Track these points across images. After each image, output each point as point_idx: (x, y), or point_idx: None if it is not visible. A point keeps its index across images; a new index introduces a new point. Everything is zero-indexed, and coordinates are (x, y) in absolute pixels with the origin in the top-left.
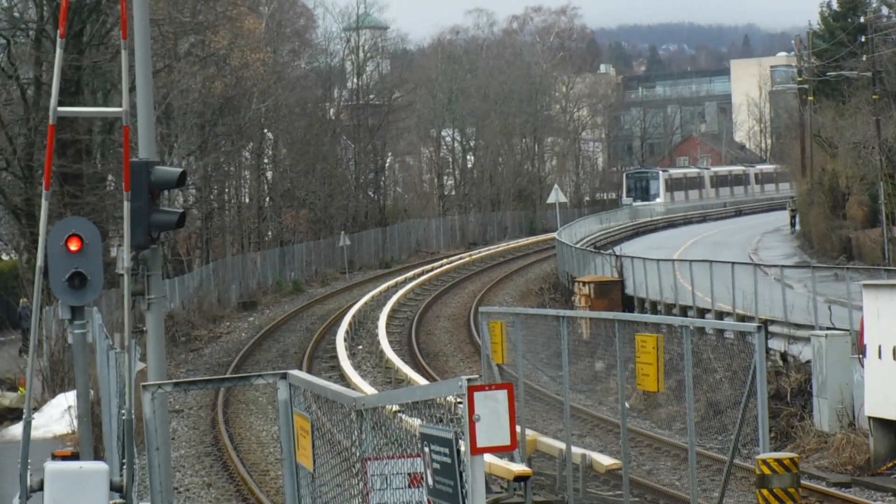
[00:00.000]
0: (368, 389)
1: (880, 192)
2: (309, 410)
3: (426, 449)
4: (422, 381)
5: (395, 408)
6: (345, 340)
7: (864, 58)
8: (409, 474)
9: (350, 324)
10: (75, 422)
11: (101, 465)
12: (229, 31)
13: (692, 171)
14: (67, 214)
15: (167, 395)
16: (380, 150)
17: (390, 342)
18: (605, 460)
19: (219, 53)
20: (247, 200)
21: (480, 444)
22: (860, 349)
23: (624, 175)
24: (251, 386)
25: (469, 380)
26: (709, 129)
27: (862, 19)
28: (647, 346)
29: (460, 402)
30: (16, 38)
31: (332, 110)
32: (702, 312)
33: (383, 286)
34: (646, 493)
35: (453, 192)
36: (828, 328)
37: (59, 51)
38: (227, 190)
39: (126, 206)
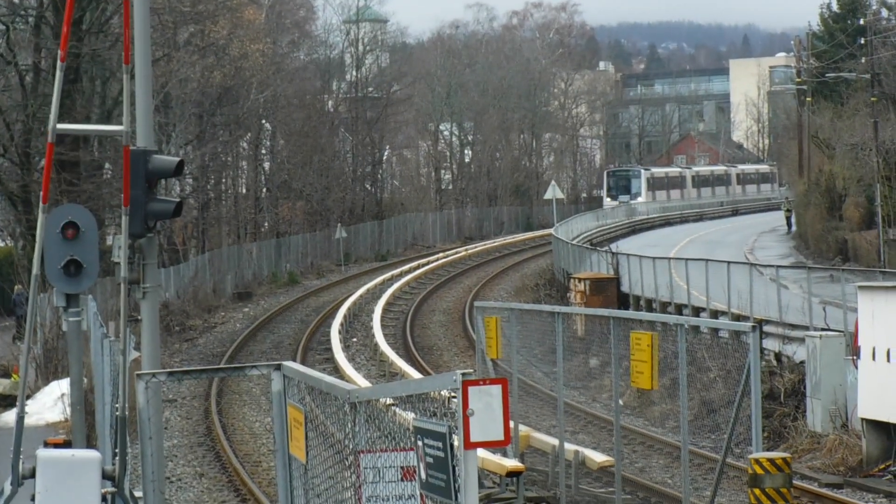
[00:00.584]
0: (362, 382)
1: (877, 194)
2: (303, 402)
3: (419, 443)
4: (416, 374)
5: (389, 401)
6: (339, 333)
7: (863, 60)
8: (401, 468)
9: (345, 316)
10: (68, 409)
11: (93, 454)
12: (229, 22)
13: (674, 171)
14: (64, 202)
15: (161, 384)
16: (377, 143)
17: (385, 335)
18: (597, 457)
19: (218, 43)
20: (244, 191)
21: (474, 438)
22: (854, 351)
23: (605, 173)
24: (245, 377)
25: (464, 374)
26: (707, 129)
27: (861, 21)
28: (642, 343)
29: (454, 397)
30: (15, 25)
31: (330, 102)
32: (697, 311)
33: (379, 279)
34: (638, 491)
35: (450, 187)
36: (822, 329)
37: (58, 73)
38: (224, 180)
39: (124, 220)
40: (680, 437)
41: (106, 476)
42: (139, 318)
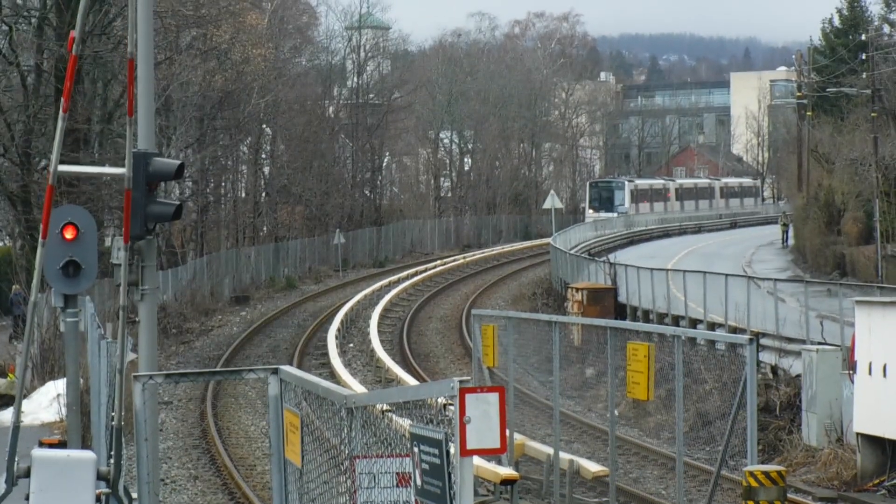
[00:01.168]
0: (358, 388)
1: (875, 209)
2: (299, 406)
3: (416, 449)
4: (412, 381)
5: (385, 407)
6: (336, 338)
7: (864, 75)
8: (397, 474)
9: (342, 322)
10: (64, 410)
11: (88, 454)
12: (231, 26)
13: (658, 183)
14: (63, 203)
15: (157, 386)
16: (377, 149)
17: (381, 341)
18: (592, 467)
19: (220, 47)
20: (243, 195)
21: (470, 445)
22: (851, 365)
23: (587, 185)
24: (242, 380)
25: (461, 382)
26: (707, 141)
27: (863, 36)
28: (639, 354)
29: (450, 405)
30: (18, 25)
31: (331, 108)
32: (694, 323)
33: (376, 285)
34: (632, 501)
35: (449, 194)
36: (819, 343)
37: (60, 123)
38: (223, 184)
39: (124, 255)
40: (675, 448)
41: (101, 477)
42: (137, 319)
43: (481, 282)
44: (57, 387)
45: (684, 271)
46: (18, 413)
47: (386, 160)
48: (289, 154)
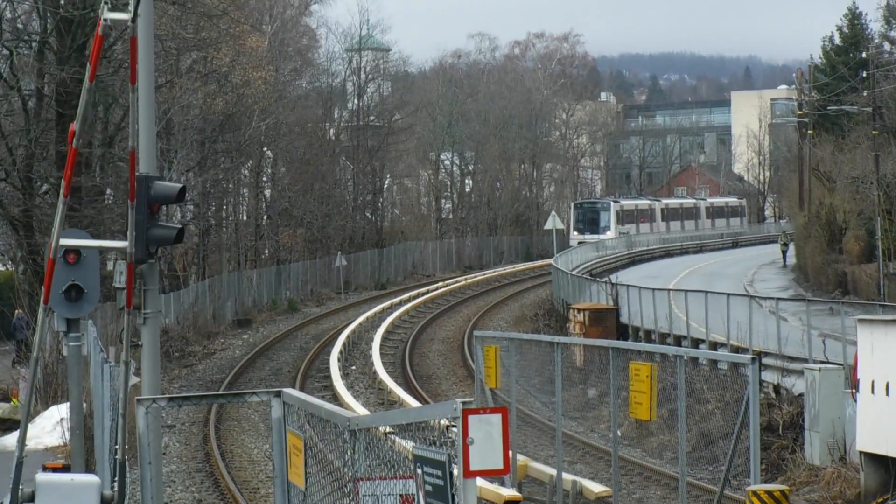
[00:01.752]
0: (361, 410)
1: (877, 227)
2: (302, 429)
3: (419, 471)
4: (414, 403)
5: (388, 429)
6: (338, 360)
7: (865, 93)
8: (400, 496)
9: (344, 344)
10: (67, 434)
11: (92, 479)
12: (232, 49)
13: (643, 203)
14: (66, 227)
15: (161, 409)
16: (378, 171)
17: (384, 363)
18: (595, 487)
19: (221, 70)
20: (244, 218)
21: (473, 467)
22: (853, 384)
23: (572, 206)
24: (245, 403)
25: (464, 403)
26: (708, 160)
27: (864, 54)
28: (641, 374)
29: (454, 426)
30: (18, 50)
31: (332, 130)
32: (696, 343)
33: (378, 307)
34: None
35: (451, 216)
36: (821, 362)
37: (60, 206)
38: (225, 207)
39: (125, 318)
40: (678, 468)
41: (104, 501)
42: (139, 343)
43: (483, 303)
44: (60, 411)
45: (686, 291)
46: (24, 439)
47: (387, 182)
48: (290, 177)
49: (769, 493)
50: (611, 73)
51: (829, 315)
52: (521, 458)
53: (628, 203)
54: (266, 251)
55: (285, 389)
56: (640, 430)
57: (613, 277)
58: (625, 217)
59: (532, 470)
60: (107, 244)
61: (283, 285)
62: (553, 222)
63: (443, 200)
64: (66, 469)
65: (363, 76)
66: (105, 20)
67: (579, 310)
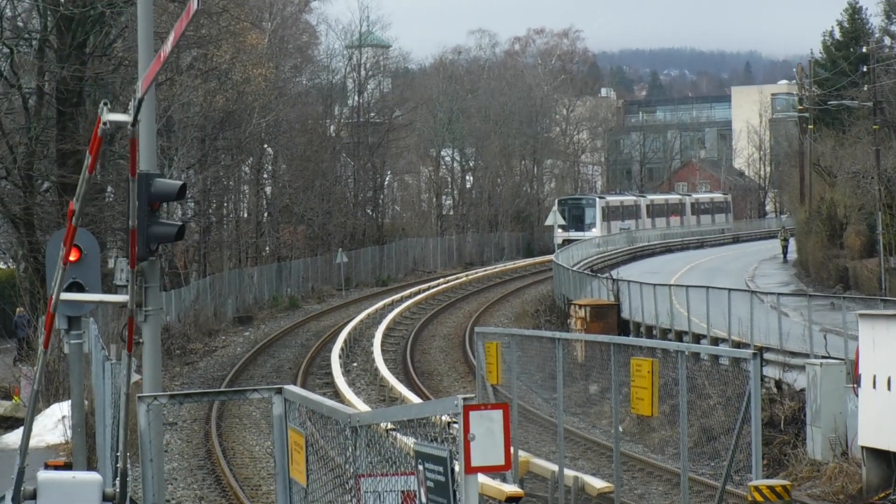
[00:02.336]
0: (362, 407)
1: (878, 222)
2: (303, 426)
3: (420, 467)
4: (416, 399)
5: (389, 425)
6: (340, 357)
7: (866, 88)
8: (402, 492)
9: (345, 341)
10: (69, 432)
11: (94, 476)
12: (232, 46)
13: (629, 199)
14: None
15: (162, 407)
16: (379, 168)
17: (385, 360)
18: (597, 483)
19: (221, 68)
20: (245, 215)
21: (475, 463)
22: (855, 378)
23: (556, 202)
24: (246, 400)
25: (465, 399)
26: (708, 156)
27: (864, 49)
28: (643, 370)
29: (455, 422)
30: (19, 48)
31: (332, 127)
32: (697, 338)
33: (379, 304)
34: None
35: (451, 212)
36: (823, 357)
37: (58, 273)
38: (225, 204)
39: (125, 373)
40: (679, 463)
41: (106, 498)
42: (141, 341)
43: (484, 299)
44: (62, 409)
45: (687, 286)
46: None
47: (387, 179)
48: (290, 174)
49: (771, 488)
50: (611, 69)
51: (830, 310)
52: (522, 455)
53: (614, 199)
54: (267, 248)
55: (286, 386)
56: (641, 425)
57: (614, 273)
58: (611, 213)
59: (534, 466)
60: (106, 298)
61: (284, 282)
62: (554, 218)
63: (443, 197)
64: (68, 467)
65: (363, 73)
66: (105, 123)
67: (580, 306)
